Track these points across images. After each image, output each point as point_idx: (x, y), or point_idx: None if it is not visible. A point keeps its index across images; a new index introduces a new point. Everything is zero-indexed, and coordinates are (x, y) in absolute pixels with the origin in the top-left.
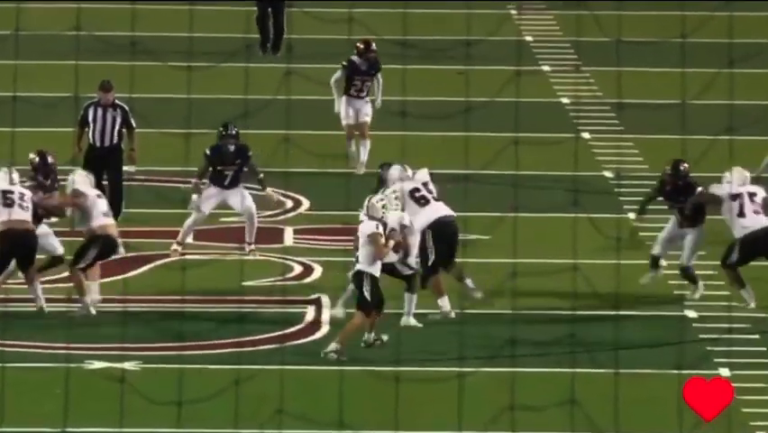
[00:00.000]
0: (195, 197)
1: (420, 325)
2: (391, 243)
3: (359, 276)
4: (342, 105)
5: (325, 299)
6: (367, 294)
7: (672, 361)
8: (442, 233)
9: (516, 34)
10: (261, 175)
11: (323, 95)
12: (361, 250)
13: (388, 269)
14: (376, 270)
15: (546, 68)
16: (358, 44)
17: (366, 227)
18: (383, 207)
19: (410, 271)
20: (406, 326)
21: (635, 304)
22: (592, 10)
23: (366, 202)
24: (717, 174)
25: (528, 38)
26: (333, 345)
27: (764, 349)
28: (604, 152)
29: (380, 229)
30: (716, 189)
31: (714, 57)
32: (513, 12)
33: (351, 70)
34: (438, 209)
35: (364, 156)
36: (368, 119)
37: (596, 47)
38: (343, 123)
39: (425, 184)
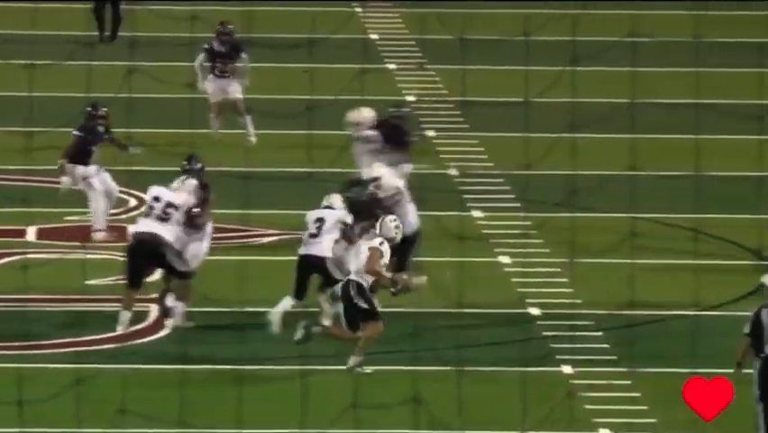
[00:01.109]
0: (64, 179)
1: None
2: (384, 261)
3: (347, 285)
4: (207, 85)
5: (169, 299)
6: (361, 305)
7: (516, 358)
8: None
9: (362, 32)
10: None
11: (166, 93)
12: (357, 259)
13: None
14: (366, 280)
15: (392, 66)
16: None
17: (371, 240)
18: (396, 227)
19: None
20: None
21: (478, 301)
22: (437, 8)
23: (326, 198)
24: (560, 172)
25: (374, 36)
26: (354, 360)
27: (607, 346)
28: (449, 149)
29: (384, 246)
30: None
31: (557, 55)
32: (358, 10)
33: (210, 53)
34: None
35: (251, 127)
36: (239, 95)
37: (440, 45)
38: (211, 101)
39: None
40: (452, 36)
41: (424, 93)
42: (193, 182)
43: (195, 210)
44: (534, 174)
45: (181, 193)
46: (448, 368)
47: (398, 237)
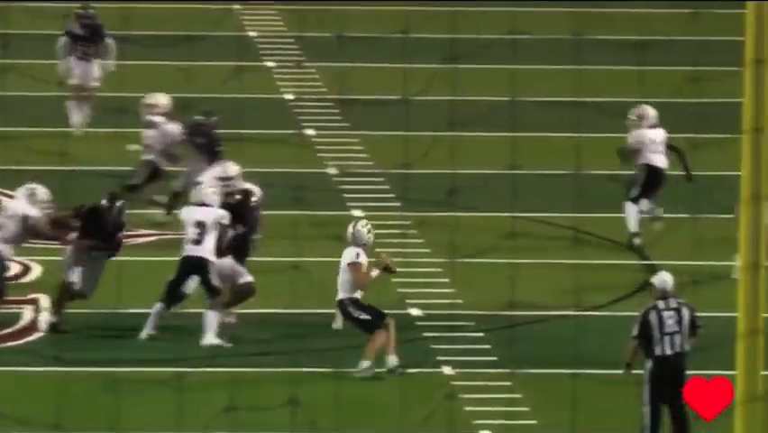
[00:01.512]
0: None
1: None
2: (375, 271)
3: (342, 305)
4: (67, 66)
5: (44, 301)
6: (363, 317)
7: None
8: None
9: (239, 30)
10: None
11: (41, 91)
12: (342, 276)
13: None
14: (356, 294)
15: (270, 63)
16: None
17: (346, 255)
18: (368, 231)
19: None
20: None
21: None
22: (316, 5)
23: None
24: (440, 170)
25: (252, 33)
26: (366, 363)
27: (488, 347)
28: (328, 148)
29: (361, 258)
30: None
31: (437, 52)
32: (236, 7)
33: (71, 37)
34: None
35: (83, 119)
36: (96, 84)
37: (319, 42)
38: (69, 82)
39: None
40: (331, 34)
41: (303, 91)
42: None
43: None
44: (415, 173)
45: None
46: (326, 369)
47: (371, 240)
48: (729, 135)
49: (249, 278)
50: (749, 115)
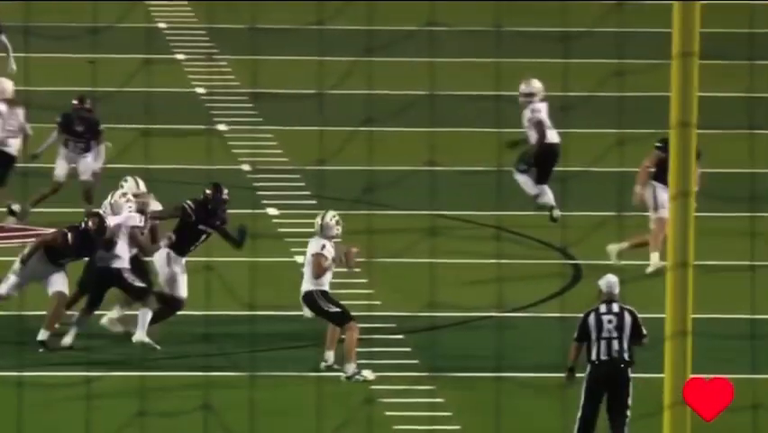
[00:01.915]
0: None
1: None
2: (328, 262)
3: (309, 297)
4: None
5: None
6: (333, 309)
7: (312, 363)
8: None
9: (148, 21)
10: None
11: None
12: (306, 268)
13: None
14: (323, 286)
15: (180, 56)
16: None
17: (312, 245)
18: (337, 222)
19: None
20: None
21: (274, 303)
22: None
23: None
24: (357, 167)
25: (161, 25)
26: (350, 368)
27: (409, 350)
28: (241, 144)
29: (326, 250)
30: None
31: (352, 45)
32: None
33: None
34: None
35: None
36: None
37: (231, 34)
38: None
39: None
40: (243, 25)
41: (214, 85)
42: None
43: None
44: (330, 170)
45: None
46: (241, 374)
47: (340, 233)
48: (655, 130)
49: (183, 293)
50: (676, 110)
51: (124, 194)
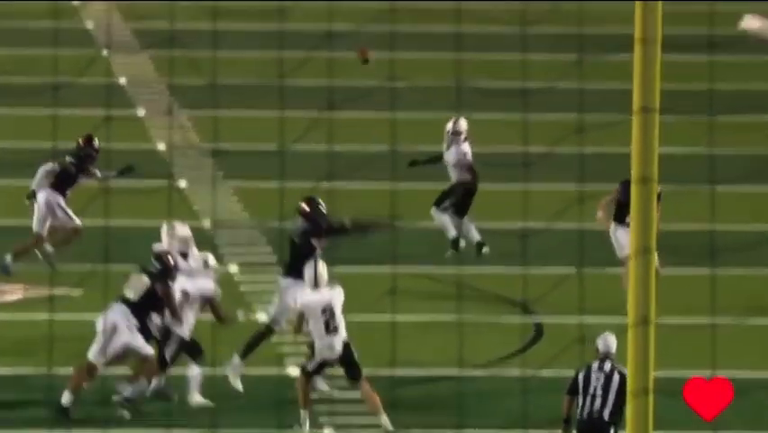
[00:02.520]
0: None
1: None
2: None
3: (348, 347)
4: None
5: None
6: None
7: (275, 422)
8: None
9: (109, 76)
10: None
11: None
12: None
13: None
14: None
15: (141, 111)
16: None
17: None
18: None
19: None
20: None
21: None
22: (187, 51)
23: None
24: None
25: (122, 80)
26: (384, 420)
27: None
28: (202, 200)
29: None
30: None
31: (314, 99)
32: (104, 52)
33: None
34: None
35: None
36: None
37: (192, 89)
38: None
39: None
40: (204, 81)
41: (175, 140)
42: None
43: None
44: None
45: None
46: (203, 431)
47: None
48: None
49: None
50: (637, 166)
51: (206, 260)
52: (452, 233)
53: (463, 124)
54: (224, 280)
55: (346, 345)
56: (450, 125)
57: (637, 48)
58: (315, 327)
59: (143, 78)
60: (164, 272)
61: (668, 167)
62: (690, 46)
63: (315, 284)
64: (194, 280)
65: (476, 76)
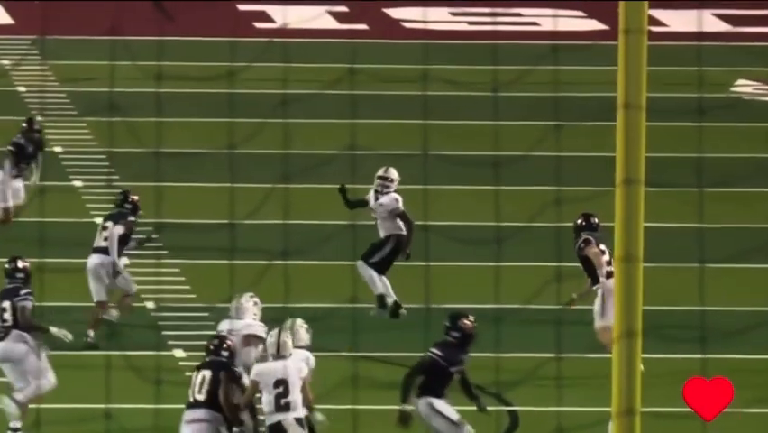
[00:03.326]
0: None
1: None
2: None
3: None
4: None
5: None
6: None
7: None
8: None
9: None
10: None
11: None
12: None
13: None
14: None
15: (78, 183)
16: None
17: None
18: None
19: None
20: None
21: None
22: (128, 118)
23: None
24: (273, 304)
25: (57, 149)
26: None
27: None
28: (145, 279)
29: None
30: None
31: (268, 171)
32: (39, 118)
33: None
34: None
35: None
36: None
37: (132, 159)
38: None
39: None
40: (146, 149)
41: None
42: None
43: None
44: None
45: None
46: None
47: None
48: None
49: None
50: (620, 243)
51: (253, 296)
52: (379, 290)
53: (395, 174)
54: (169, 365)
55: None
56: (380, 171)
57: (620, 113)
58: (266, 400)
59: (80, 148)
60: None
61: (655, 241)
62: (677, 111)
63: (278, 352)
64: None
65: (444, 143)
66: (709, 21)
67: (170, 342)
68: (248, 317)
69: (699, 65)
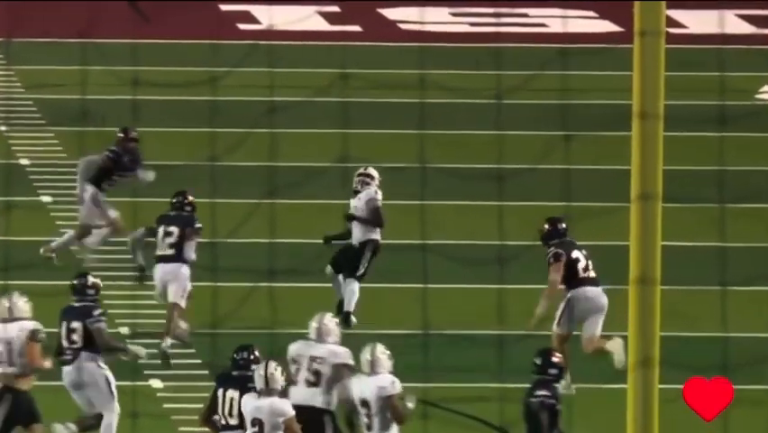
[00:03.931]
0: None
1: None
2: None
3: None
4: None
5: None
6: None
7: None
8: None
9: (7, 157)
10: None
11: None
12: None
13: None
14: None
15: (46, 198)
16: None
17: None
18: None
19: None
20: None
21: None
22: (100, 128)
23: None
24: (257, 330)
25: (23, 161)
26: None
27: (200, 361)
28: (119, 303)
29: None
30: None
31: (253, 185)
32: (2, 128)
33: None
34: None
35: None
36: None
37: None
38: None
39: None
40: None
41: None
42: None
43: None
44: (224, 334)
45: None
46: None
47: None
48: (612, 286)
49: None
50: (636, 264)
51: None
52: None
53: (375, 173)
54: (146, 396)
55: None
56: (361, 169)
57: (635, 123)
58: None
59: (49, 160)
60: None
61: (673, 262)
62: (696, 121)
63: (266, 385)
64: None
65: (443, 155)
66: (732, 22)
67: (147, 371)
68: (331, 339)
69: (720, 70)
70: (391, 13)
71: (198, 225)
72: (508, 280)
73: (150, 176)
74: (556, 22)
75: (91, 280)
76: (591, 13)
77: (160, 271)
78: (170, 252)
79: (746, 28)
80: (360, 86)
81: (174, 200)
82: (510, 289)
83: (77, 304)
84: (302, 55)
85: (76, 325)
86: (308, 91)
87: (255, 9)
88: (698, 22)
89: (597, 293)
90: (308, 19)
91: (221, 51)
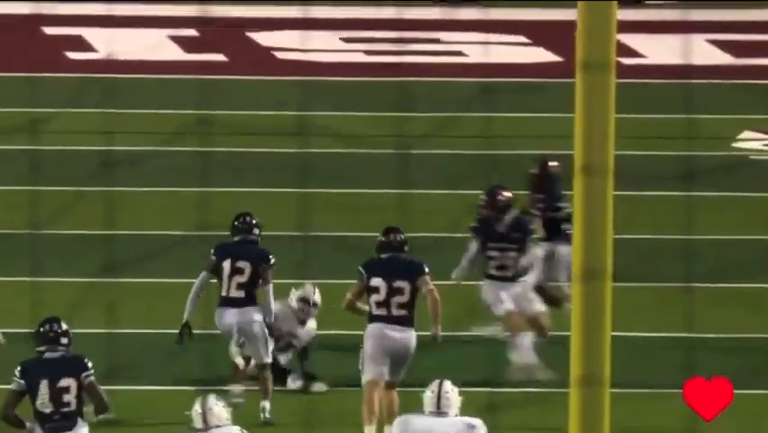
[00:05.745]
0: None
1: None
2: None
3: None
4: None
5: None
6: None
7: None
8: None
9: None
10: None
11: None
12: None
13: None
14: None
15: None
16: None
17: None
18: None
19: None
20: None
21: None
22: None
23: None
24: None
25: None
26: None
27: None
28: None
29: None
30: None
31: (88, 258)
32: None
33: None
34: None
35: None
36: None
37: None
38: None
39: None
40: None
41: None
42: None
43: None
44: None
45: None
46: None
47: None
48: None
49: None
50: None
51: None
52: None
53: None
54: None
55: None
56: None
57: (578, 180)
58: None
59: None
60: None
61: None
62: (658, 177)
63: (205, 423)
64: None
65: (332, 220)
66: (702, 50)
67: None
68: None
69: (688, 112)
70: (265, 39)
71: (272, 262)
72: None
73: None
74: (476, 49)
75: (64, 326)
76: (521, 39)
77: (228, 320)
78: (239, 294)
79: (720, 57)
80: (223, 131)
81: (238, 224)
82: None
83: (54, 355)
84: (149, 92)
85: (66, 382)
86: (157, 138)
87: (89, 33)
88: (658, 50)
89: None
90: (158, 46)
91: (44, 88)
